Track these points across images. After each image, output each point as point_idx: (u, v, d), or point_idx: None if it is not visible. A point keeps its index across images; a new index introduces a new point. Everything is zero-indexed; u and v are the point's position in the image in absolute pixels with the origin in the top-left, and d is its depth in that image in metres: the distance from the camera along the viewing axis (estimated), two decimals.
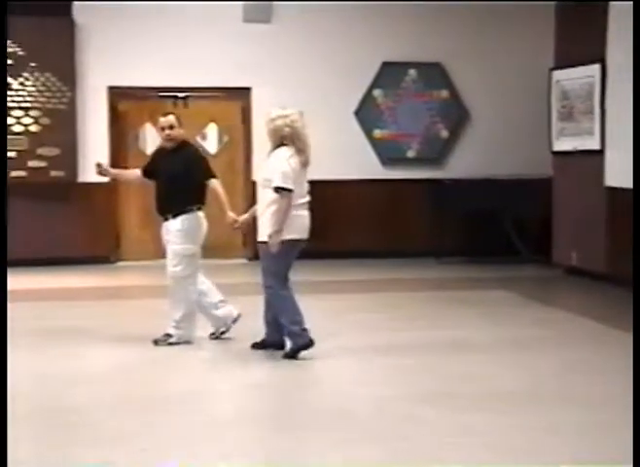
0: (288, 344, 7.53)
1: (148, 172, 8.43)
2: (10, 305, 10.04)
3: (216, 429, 5.60)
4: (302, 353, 7.43)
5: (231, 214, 8.06)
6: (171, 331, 8.07)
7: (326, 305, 9.91)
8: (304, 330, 7.45)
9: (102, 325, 9.00)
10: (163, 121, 8.18)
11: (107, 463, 4.94)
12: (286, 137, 7.44)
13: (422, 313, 9.66)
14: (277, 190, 7.29)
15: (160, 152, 8.46)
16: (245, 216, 8.07)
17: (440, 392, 6.42)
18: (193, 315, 8.14)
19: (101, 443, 5.29)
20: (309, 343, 7.44)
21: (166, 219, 8.11)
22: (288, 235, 7.34)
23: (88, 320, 9.23)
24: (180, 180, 8.00)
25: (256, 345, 7.77)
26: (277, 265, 7.44)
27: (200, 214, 8.12)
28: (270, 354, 7.58)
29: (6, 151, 12.12)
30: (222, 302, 8.34)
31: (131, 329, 8.77)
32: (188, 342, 8.07)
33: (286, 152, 7.39)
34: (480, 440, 5.32)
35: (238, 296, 9.70)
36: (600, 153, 11.35)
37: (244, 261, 13.59)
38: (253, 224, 7.86)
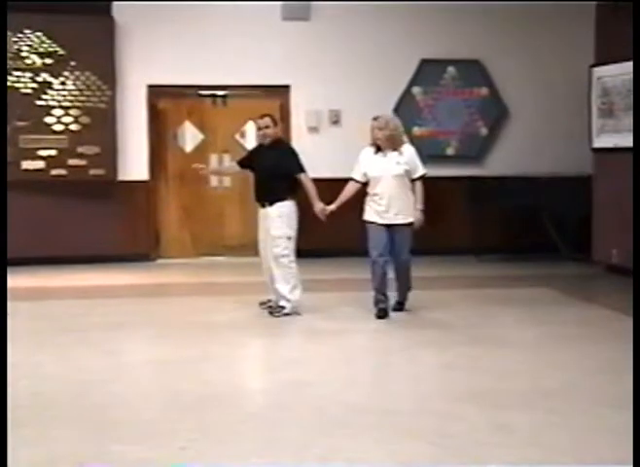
0: (405, 297, 9.40)
1: (243, 164, 9.69)
2: (51, 303, 10.21)
3: (255, 427, 5.59)
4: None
5: (320, 204, 9.19)
6: (284, 303, 9.20)
7: (366, 302, 9.90)
8: None
9: (144, 322, 9.07)
10: (261, 122, 9.39)
11: (145, 461, 4.94)
12: (402, 136, 9.11)
13: (462, 311, 9.62)
14: (421, 177, 9.08)
15: (257, 148, 9.70)
16: (333, 206, 9.19)
17: (480, 389, 6.39)
18: (297, 288, 9.23)
19: (140, 440, 5.29)
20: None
21: (263, 206, 9.25)
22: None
23: (130, 317, 9.29)
24: (276, 173, 9.14)
25: (384, 315, 9.11)
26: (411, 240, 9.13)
27: (292, 202, 9.19)
28: (313, 353, 7.59)
29: (5, 151, 12.17)
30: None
31: (173, 326, 8.83)
32: (297, 314, 9.19)
33: (412, 147, 9.15)
34: (521, 438, 5.29)
35: None
36: None
37: None
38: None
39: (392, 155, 9.00)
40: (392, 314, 9.24)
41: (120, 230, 13.44)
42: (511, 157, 14.04)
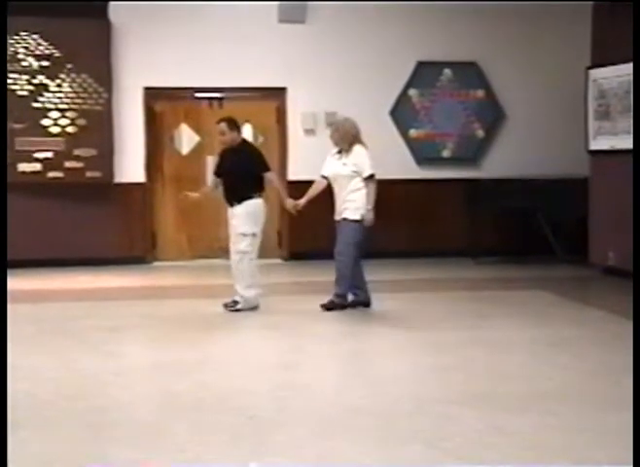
0: (342, 293, 9.45)
1: (217, 173, 9.81)
2: (48, 305, 10.21)
3: (253, 429, 5.59)
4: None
5: (290, 200, 9.63)
6: (238, 298, 9.46)
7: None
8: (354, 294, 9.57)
9: (142, 324, 9.07)
10: (217, 128, 9.63)
11: (143, 462, 4.94)
12: (357, 137, 9.39)
13: (459, 313, 9.63)
14: (369, 177, 9.26)
15: (223, 153, 9.84)
16: (303, 200, 9.59)
17: (477, 392, 6.38)
18: (255, 285, 9.48)
19: (139, 441, 5.29)
20: (345, 306, 9.49)
21: (232, 205, 9.47)
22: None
23: (128, 319, 9.28)
24: (241, 173, 9.40)
25: (326, 307, 9.45)
26: (360, 236, 9.31)
27: (259, 201, 9.46)
28: (310, 355, 7.62)
29: (5, 151, 12.18)
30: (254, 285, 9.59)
31: (171, 328, 8.83)
32: (253, 309, 9.45)
33: (364, 148, 9.37)
34: (518, 440, 5.29)
35: (277, 295, 9.85)
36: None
37: (279, 261, 13.62)
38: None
39: (343, 156, 9.44)
40: (388, 316, 9.26)
41: (116, 232, 13.44)
42: (507, 159, 14.05)
